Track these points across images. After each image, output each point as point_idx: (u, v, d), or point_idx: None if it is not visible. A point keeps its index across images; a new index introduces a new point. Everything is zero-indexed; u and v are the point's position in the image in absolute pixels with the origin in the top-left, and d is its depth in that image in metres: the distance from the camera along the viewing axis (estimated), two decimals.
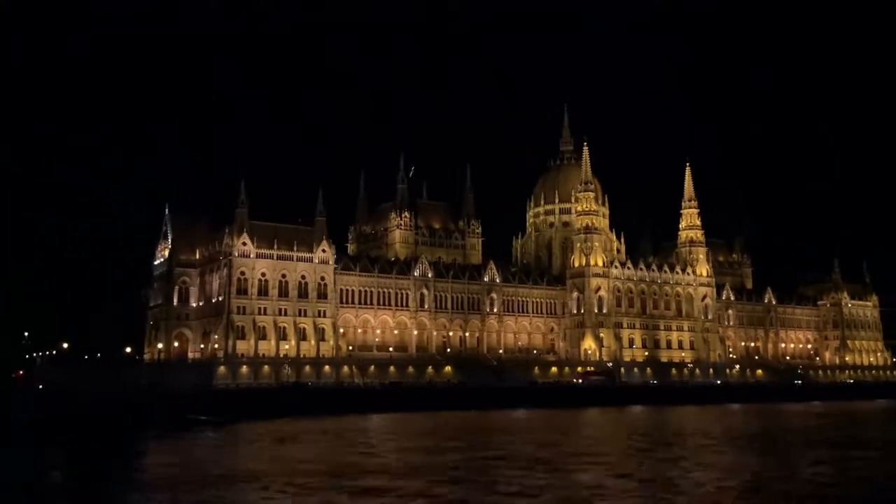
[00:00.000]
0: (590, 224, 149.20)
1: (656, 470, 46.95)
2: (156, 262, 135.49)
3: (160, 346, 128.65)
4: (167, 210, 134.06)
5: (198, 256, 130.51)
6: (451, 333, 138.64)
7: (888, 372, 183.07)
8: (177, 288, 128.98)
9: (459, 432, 75.78)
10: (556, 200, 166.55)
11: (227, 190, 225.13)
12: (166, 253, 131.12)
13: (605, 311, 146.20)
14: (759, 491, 39.70)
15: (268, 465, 50.88)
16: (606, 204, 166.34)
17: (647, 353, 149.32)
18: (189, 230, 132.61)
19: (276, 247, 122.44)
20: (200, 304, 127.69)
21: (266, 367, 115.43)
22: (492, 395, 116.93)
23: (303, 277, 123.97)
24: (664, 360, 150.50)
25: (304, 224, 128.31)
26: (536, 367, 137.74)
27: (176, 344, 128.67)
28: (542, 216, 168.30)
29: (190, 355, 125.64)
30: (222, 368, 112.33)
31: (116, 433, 71.98)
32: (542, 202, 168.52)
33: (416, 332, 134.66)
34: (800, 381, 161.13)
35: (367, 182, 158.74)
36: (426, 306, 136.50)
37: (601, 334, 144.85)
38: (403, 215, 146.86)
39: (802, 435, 75.59)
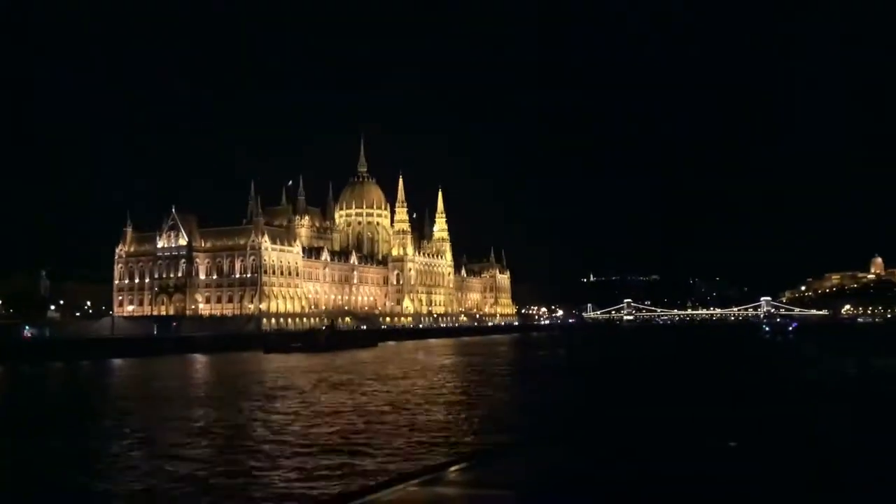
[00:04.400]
0: (404, 229, 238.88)
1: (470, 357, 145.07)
2: (160, 245, 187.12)
3: (171, 307, 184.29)
4: (173, 209, 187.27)
5: (205, 245, 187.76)
6: (337, 297, 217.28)
7: (514, 318, 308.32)
8: (194, 265, 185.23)
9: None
10: (364, 206, 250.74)
11: None
12: (182, 241, 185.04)
13: (413, 282, 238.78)
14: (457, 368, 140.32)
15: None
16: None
17: (429, 308, 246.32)
18: (188, 225, 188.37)
19: (277, 242, 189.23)
20: (213, 277, 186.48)
21: (282, 319, 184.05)
22: (373, 334, 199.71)
23: (289, 263, 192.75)
24: (435, 313, 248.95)
25: (283, 227, 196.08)
26: (383, 318, 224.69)
27: (183, 304, 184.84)
28: (352, 216, 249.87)
29: (202, 313, 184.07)
30: (265, 320, 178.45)
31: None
32: (353, 206, 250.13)
33: (324, 296, 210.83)
34: (476, 323, 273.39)
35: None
36: (328, 279, 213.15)
37: (412, 297, 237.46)
38: (304, 218, 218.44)
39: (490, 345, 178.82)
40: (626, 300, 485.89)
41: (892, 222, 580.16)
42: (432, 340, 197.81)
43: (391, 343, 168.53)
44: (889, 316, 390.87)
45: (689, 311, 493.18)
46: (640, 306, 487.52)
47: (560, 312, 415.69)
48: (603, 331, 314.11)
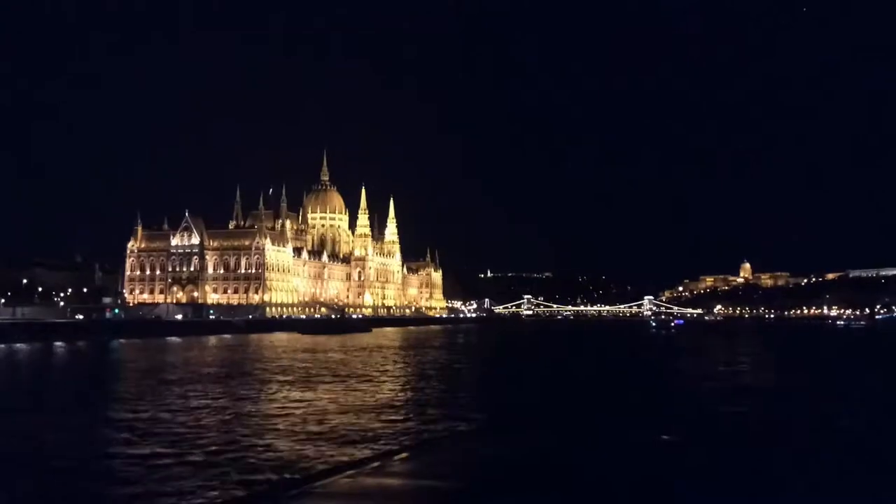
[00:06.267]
0: (366, 233, 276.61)
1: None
2: (174, 243, 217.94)
3: (182, 294, 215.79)
4: (186, 213, 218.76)
5: (212, 244, 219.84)
6: (313, 290, 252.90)
7: (445, 311, 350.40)
8: (205, 261, 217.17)
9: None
10: (327, 211, 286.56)
11: None
12: (195, 240, 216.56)
13: (371, 279, 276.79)
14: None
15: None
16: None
17: (384, 301, 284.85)
18: (198, 226, 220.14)
19: (275, 244, 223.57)
20: (220, 272, 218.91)
21: (279, 308, 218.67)
22: (330, 324, 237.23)
23: (282, 261, 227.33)
24: (388, 304, 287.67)
25: (278, 230, 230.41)
26: (347, 308, 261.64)
27: (195, 294, 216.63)
28: (317, 220, 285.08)
29: (210, 301, 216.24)
30: (268, 309, 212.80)
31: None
32: (318, 211, 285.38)
33: (303, 290, 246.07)
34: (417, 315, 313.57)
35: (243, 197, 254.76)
36: (306, 275, 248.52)
37: (372, 292, 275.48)
38: (287, 220, 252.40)
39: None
40: (526, 296, 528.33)
41: (759, 232, 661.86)
42: (388, 329, 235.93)
43: (378, 329, 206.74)
44: (737, 315, 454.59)
45: (581, 308, 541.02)
46: (538, 302, 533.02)
47: (474, 305, 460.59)
48: (513, 324, 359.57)
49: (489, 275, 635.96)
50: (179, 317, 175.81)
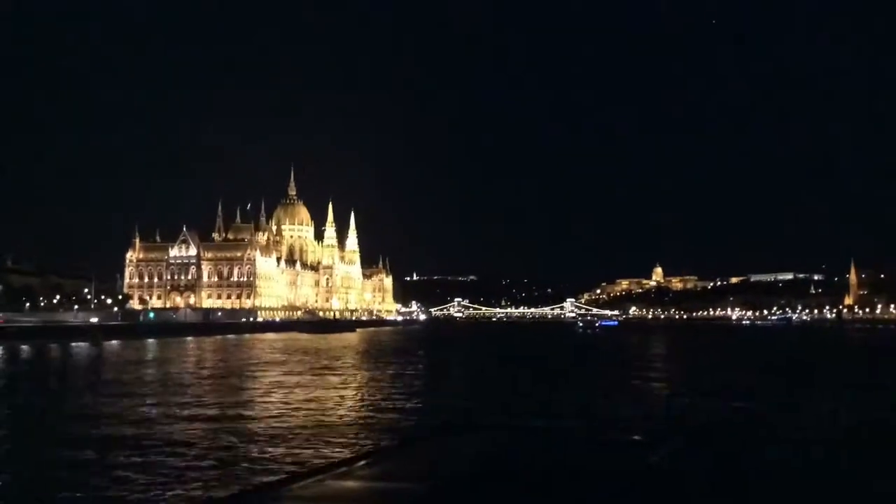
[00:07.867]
0: (332, 243, 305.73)
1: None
2: (173, 254, 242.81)
3: (179, 300, 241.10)
4: (184, 227, 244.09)
5: (207, 255, 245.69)
6: (289, 296, 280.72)
7: (396, 314, 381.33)
8: (202, 270, 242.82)
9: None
10: (295, 223, 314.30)
11: None
12: (192, 252, 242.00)
13: (338, 286, 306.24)
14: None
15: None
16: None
17: (348, 305, 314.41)
18: (194, 238, 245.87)
19: (261, 254, 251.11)
20: (213, 279, 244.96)
21: (270, 312, 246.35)
22: (324, 324, 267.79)
23: (268, 270, 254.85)
24: (351, 308, 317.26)
25: (265, 244, 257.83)
26: (320, 312, 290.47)
27: (191, 300, 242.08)
28: (286, 231, 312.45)
29: (205, 305, 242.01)
30: (259, 312, 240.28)
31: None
32: (286, 223, 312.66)
33: (283, 295, 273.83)
34: (374, 317, 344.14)
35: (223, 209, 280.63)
36: (283, 282, 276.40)
37: (338, 296, 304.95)
38: (268, 232, 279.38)
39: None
40: (456, 299, 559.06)
41: (669, 238, 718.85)
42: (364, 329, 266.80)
43: (359, 330, 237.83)
44: (650, 316, 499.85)
45: (508, 310, 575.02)
46: (467, 304, 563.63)
47: (414, 307, 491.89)
48: (451, 326, 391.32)
49: (415, 277, 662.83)
50: (193, 320, 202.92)
